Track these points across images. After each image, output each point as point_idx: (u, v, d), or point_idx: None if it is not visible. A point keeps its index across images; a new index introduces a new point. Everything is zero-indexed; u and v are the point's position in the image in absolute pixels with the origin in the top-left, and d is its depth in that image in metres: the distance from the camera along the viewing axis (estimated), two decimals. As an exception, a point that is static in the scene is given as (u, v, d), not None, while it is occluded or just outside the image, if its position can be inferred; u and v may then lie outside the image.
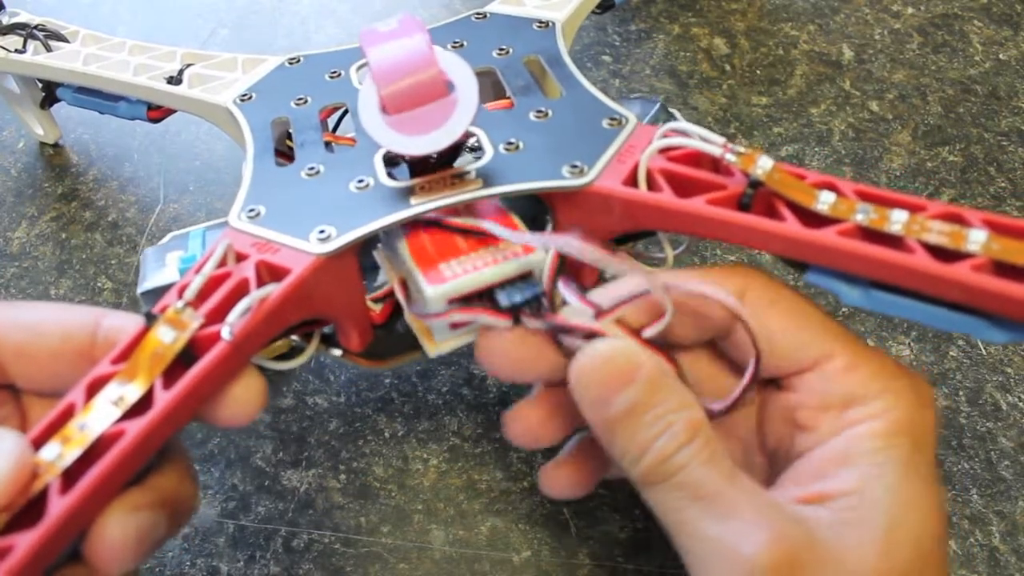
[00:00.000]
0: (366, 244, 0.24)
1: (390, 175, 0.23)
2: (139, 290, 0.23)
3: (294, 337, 0.23)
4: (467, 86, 0.23)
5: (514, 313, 0.20)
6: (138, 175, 0.40)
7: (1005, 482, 0.28)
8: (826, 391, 0.19)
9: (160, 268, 0.24)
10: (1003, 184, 0.37)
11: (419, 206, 0.22)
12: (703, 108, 0.41)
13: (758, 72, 0.43)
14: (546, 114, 0.25)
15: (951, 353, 0.31)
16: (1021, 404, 0.30)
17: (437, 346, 0.23)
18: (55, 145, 0.42)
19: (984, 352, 0.31)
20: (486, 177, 0.22)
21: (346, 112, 0.29)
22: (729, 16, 0.47)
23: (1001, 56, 0.43)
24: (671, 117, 0.28)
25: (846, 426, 0.18)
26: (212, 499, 0.29)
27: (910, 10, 0.47)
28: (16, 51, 0.35)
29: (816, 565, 0.17)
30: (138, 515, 0.18)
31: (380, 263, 0.25)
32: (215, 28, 0.48)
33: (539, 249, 0.21)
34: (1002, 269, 0.18)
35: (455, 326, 0.22)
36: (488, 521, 0.28)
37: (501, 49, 0.28)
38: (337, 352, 0.24)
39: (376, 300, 0.24)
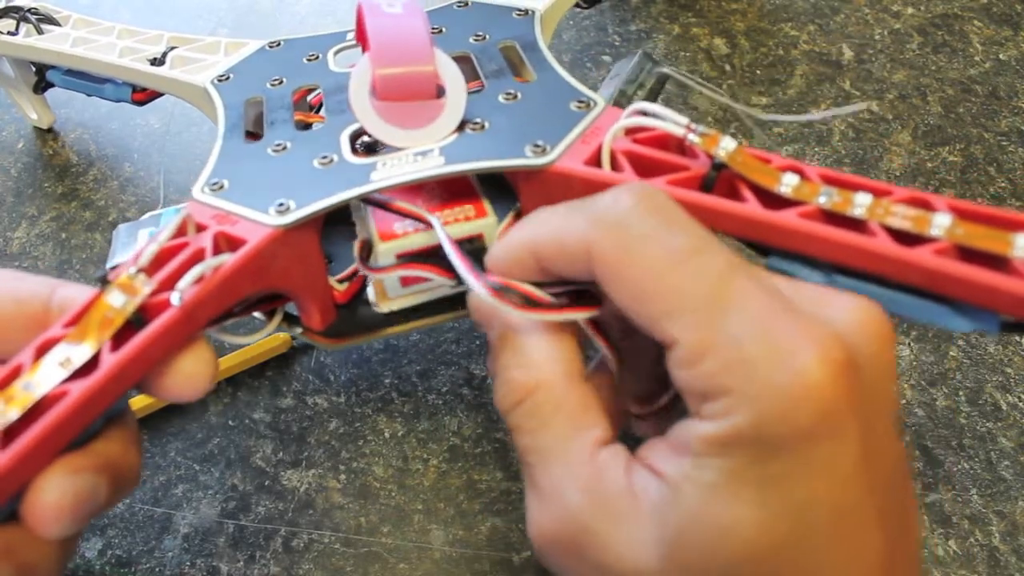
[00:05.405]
0: (331, 225, 0.24)
1: (356, 151, 0.24)
2: (107, 264, 0.24)
3: (257, 314, 0.24)
4: (456, 94, 0.23)
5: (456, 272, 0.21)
6: (138, 175, 0.40)
7: (1005, 482, 0.28)
8: (675, 377, 0.17)
9: (131, 244, 0.24)
10: (1003, 184, 0.37)
11: (379, 182, 0.22)
12: (703, 108, 0.41)
13: (758, 72, 0.43)
14: (515, 96, 0.25)
15: (951, 353, 0.31)
16: (1021, 404, 0.30)
17: (388, 302, 0.24)
18: (49, 130, 0.43)
19: (984, 352, 0.31)
20: (449, 155, 0.23)
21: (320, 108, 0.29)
22: (729, 16, 0.47)
23: (1001, 56, 0.43)
24: (655, 64, 0.27)
25: (696, 414, 0.16)
26: (212, 499, 0.29)
27: (910, 10, 0.47)
28: (9, 33, 0.36)
29: (583, 548, 0.17)
30: (77, 477, 0.18)
31: (359, 233, 0.25)
32: (215, 28, 0.48)
33: (490, 215, 0.23)
34: (965, 254, 0.18)
35: (406, 283, 0.24)
36: (488, 521, 0.28)
37: (478, 35, 0.28)
38: (298, 330, 0.24)
39: (341, 280, 0.25)
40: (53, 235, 0.38)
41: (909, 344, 0.32)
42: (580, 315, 0.19)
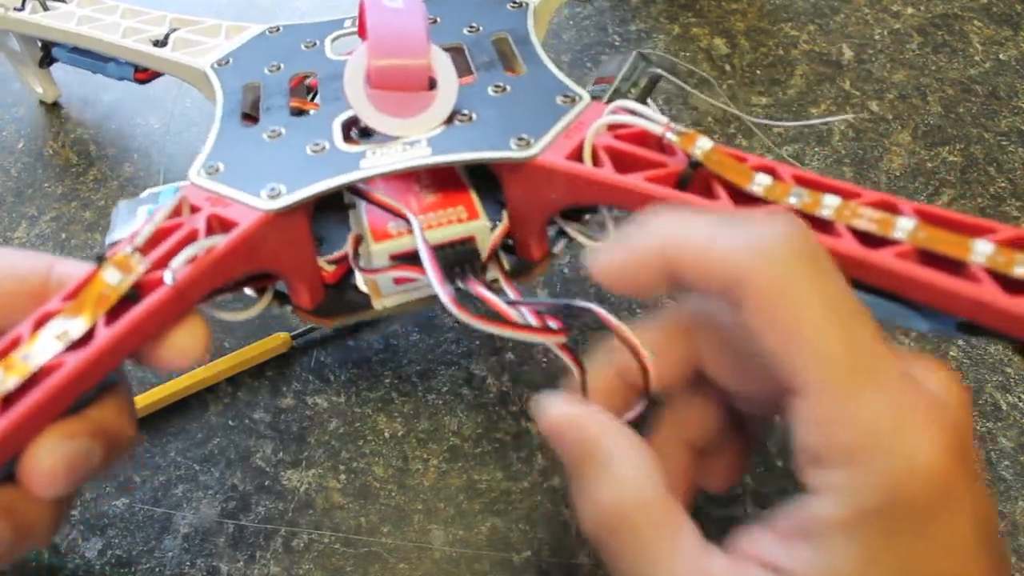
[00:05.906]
0: (323, 209, 0.25)
1: (348, 139, 0.24)
2: (106, 240, 0.24)
3: (248, 290, 0.25)
4: (448, 87, 0.24)
5: (449, 274, 0.22)
6: (138, 175, 0.40)
7: (1005, 482, 0.28)
8: (797, 430, 0.17)
9: (130, 220, 0.24)
10: (1003, 184, 0.37)
11: (368, 170, 0.23)
12: (703, 108, 0.41)
13: (758, 72, 0.43)
14: (504, 89, 0.25)
15: (951, 353, 0.31)
16: (1021, 404, 0.30)
17: (382, 300, 0.25)
18: (55, 104, 0.43)
19: (984, 352, 0.31)
20: (436, 146, 0.23)
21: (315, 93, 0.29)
22: (729, 16, 0.47)
23: (1001, 56, 0.43)
24: (649, 64, 0.27)
25: (812, 488, 0.16)
26: (212, 499, 0.29)
27: (910, 10, 0.47)
28: (15, 9, 0.36)
29: None
30: (71, 442, 0.19)
31: (351, 223, 0.26)
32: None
33: (482, 216, 0.23)
34: (927, 258, 0.18)
35: (399, 281, 0.24)
36: (488, 521, 0.28)
37: (471, 26, 0.29)
38: (287, 308, 0.25)
39: (331, 262, 0.25)
40: (53, 235, 0.38)
41: (909, 344, 0.32)
42: (551, 339, 0.20)
